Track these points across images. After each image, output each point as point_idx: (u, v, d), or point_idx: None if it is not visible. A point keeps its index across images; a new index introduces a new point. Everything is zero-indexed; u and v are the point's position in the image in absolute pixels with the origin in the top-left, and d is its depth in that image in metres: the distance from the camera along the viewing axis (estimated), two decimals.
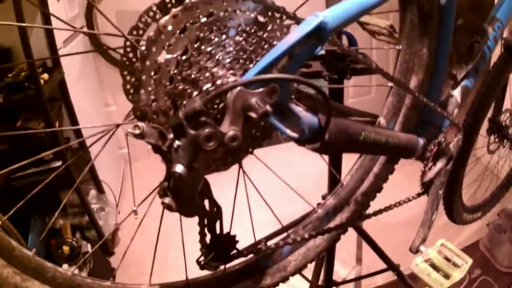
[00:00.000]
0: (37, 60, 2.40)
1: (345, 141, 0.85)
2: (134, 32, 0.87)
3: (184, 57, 0.74)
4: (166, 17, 0.72)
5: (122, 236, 3.07)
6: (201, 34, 0.75)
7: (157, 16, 0.87)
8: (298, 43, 0.71)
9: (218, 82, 0.76)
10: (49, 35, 2.51)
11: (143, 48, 0.72)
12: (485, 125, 1.95)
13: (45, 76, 2.40)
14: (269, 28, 0.82)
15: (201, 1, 0.73)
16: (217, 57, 0.78)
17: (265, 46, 0.83)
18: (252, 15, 0.80)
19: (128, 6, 3.20)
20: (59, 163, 2.38)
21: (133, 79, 0.86)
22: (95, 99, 3.58)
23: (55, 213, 2.53)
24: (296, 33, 0.71)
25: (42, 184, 0.90)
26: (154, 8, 0.87)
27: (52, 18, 2.48)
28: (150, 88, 0.74)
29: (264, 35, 0.82)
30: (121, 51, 0.89)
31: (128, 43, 0.88)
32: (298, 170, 2.94)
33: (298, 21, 0.78)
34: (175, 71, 0.74)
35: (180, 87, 0.76)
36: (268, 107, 0.70)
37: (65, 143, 2.62)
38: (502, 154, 2.26)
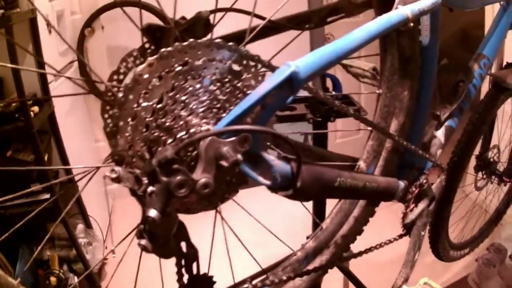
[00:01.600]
0: (28, 100, 2.41)
1: (319, 187, 0.86)
2: (115, 77, 0.88)
3: (159, 105, 0.76)
4: (142, 66, 0.73)
5: (108, 270, 3.06)
6: (176, 83, 0.76)
7: (137, 61, 0.88)
8: (270, 93, 0.72)
9: (192, 130, 0.78)
10: (41, 67, 2.52)
11: (120, 95, 0.73)
12: (472, 162, 1.95)
13: (36, 108, 2.40)
14: (244, 76, 0.84)
15: (177, 50, 0.74)
16: (191, 105, 0.79)
17: (239, 95, 0.84)
18: (227, 64, 0.81)
19: (119, 41, 3.22)
20: (47, 196, 2.37)
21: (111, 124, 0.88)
22: (84, 134, 3.57)
23: (42, 243, 2.54)
24: (268, 83, 0.72)
25: (31, 215, 0.92)
26: (135, 53, 0.88)
27: (44, 51, 2.50)
28: (127, 134, 0.75)
29: (238, 84, 0.84)
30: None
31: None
32: (284, 210, 2.94)
33: (273, 69, 0.80)
34: (151, 118, 0.75)
35: (156, 134, 0.77)
36: (239, 156, 0.71)
37: (53, 176, 2.61)
38: (490, 189, 2.27)
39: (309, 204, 1.59)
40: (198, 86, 0.79)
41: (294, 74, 0.73)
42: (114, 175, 0.70)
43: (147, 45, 0.89)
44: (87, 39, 3.41)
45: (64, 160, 2.77)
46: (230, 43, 0.79)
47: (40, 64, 2.45)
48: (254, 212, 1.20)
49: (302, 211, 1.30)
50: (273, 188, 0.81)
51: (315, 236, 1.20)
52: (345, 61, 1.47)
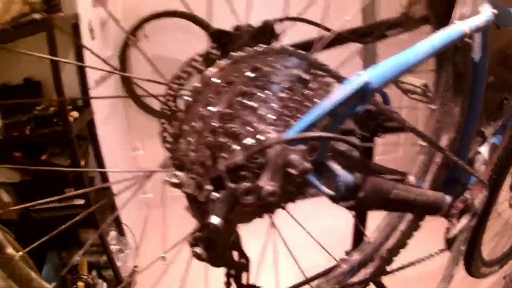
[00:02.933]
0: (68, 99, 2.42)
1: (378, 199, 0.86)
2: (176, 81, 0.89)
3: (227, 110, 0.76)
4: (213, 69, 0.73)
5: (139, 280, 3.05)
6: (246, 88, 0.77)
7: (199, 67, 0.89)
8: (342, 103, 0.72)
9: (260, 137, 0.77)
10: (82, 73, 2.54)
11: (188, 98, 0.73)
12: (507, 180, 1.93)
13: (75, 113, 2.42)
14: (311, 85, 0.84)
15: (248, 55, 0.75)
16: (259, 112, 0.79)
17: (307, 103, 0.84)
18: (296, 71, 0.81)
19: (165, 51, 3.20)
20: (81, 201, 2.37)
21: (171, 128, 0.88)
22: (122, 141, 3.57)
23: (71, 248, 2.55)
24: (340, 92, 0.73)
25: (68, 223, 0.92)
26: (198, 58, 0.89)
27: (86, 57, 2.52)
28: (190, 139, 0.75)
29: (306, 92, 0.84)
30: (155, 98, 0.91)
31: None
32: (321, 222, 2.92)
33: (340, 79, 0.80)
34: (217, 123, 0.76)
35: (221, 140, 0.77)
36: (308, 165, 0.71)
37: (89, 182, 2.62)
38: None
39: (347, 218, 1.58)
40: (267, 92, 0.80)
41: (366, 84, 0.73)
42: (176, 180, 0.71)
43: (212, 51, 0.89)
44: (130, 48, 3.40)
45: (101, 166, 2.77)
46: (301, 51, 0.79)
47: (82, 72, 2.47)
48: (291, 224, 1.20)
49: (337, 223, 1.30)
50: (336, 199, 0.81)
51: (361, 249, 1.20)
52: None
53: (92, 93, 2.67)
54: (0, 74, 2.54)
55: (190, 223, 0.79)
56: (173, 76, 0.89)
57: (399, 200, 0.92)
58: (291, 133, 0.74)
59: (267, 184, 0.70)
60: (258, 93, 0.79)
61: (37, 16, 2.07)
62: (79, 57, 2.52)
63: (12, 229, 1.68)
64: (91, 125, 2.69)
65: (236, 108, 0.77)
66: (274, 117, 0.81)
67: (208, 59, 0.89)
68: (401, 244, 1.22)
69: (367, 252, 1.20)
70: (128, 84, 3.35)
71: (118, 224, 2.98)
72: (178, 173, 0.72)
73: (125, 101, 3.60)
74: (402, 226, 1.21)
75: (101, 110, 2.83)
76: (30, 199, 2.34)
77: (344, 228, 1.98)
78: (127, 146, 3.71)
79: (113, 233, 2.89)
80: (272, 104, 0.81)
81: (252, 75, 0.77)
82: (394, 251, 1.21)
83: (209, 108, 0.74)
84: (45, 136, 2.34)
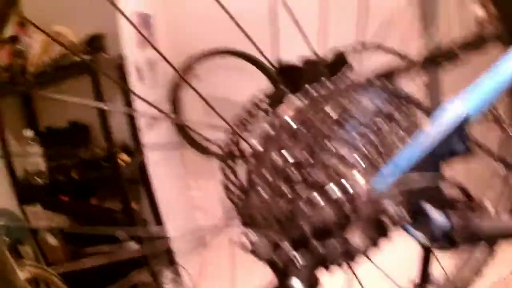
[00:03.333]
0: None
1: (469, 238, 0.75)
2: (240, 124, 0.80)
3: (306, 156, 0.66)
4: (287, 109, 0.64)
5: None
6: (326, 130, 0.67)
7: (266, 108, 0.80)
8: (442, 138, 0.62)
9: (347, 184, 0.67)
10: (131, 116, 2.50)
11: (258, 145, 0.64)
12: None
13: (124, 156, 2.37)
14: (395, 116, 0.74)
15: (329, 92, 0.66)
16: (341, 152, 0.69)
17: (394, 140, 0.74)
18: (377, 102, 0.71)
19: (218, 91, 3.08)
20: (135, 246, 2.31)
21: (236, 179, 0.79)
22: (177, 182, 3.49)
23: None
24: (439, 127, 0.62)
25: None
26: (264, 98, 0.80)
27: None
28: (262, 190, 0.65)
29: (389, 125, 0.73)
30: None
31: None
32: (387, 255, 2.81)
33: (427, 110, 0.70)
34: (296, 172, 0.66)
35: (300, 191, 0.67)
36: (405, 214, 0.61)
37: (142, 225, 2.55)
38: None
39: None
40: (348, 129, 0.70)
41: (467, 116, 0.62)
42: (250, 247, 0.61)
43: (282, 88, 0.80)
44: (181, 89, 3.27)
45: (155, 209, 2.70)
46: (389, 84, 0.70)
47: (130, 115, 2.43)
48: None
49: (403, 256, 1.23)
50: (430, 246, 0.70)
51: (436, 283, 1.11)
52: None
53: (144, 134, 2.61)
54: (45, 116, 2.53)
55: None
56: (236, 118, 0.81)
57: (488, 235, 0.82)
58: (383, 178, 0.64)
59: (359, 240, 0.60)
60: (339, 132, 0.68)
61: (78, 58, 2.04)
62: (127, 99, 2.47)
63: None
64: (142, 168, 2.62)
65: (314, 151, 0.67)
66: (358, 158, 0.70)
67: (275, 98, 0.79)
68: (476, 272, 1.15)
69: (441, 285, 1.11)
70: (182, 128, 3.24)
71: (172, 265, 2.90)
72: (253, 236, 0.62)
73: (180, 140, 3.50)
74: (478, 254, 1.15)
75: (154, 152, 2.76)
76: (77, 242, 2.34)
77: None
78: (182, 187, 3.62)
79: (168, 274, 2.81)
80: (355, 142, 0.70)
81: (335, 115, 0.67)
82: (470, 280, 1.14)
83: (285, 154, 0.65)
84: (94, 180, 2.30)
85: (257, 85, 0.89)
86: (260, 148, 0.64)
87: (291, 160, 0.65)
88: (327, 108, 0.66)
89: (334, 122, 0.67)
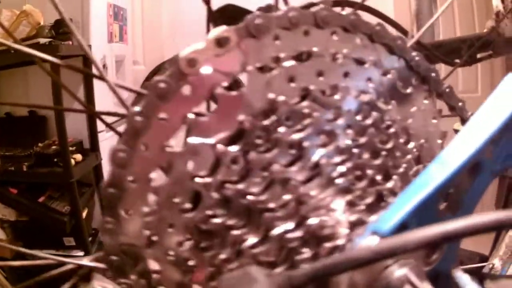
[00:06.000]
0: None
1: None
2: None
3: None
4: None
5: None
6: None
7: None
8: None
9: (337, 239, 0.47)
10: (90, 117, 2.33)
11: None
12: None
13: (78, 156, 2.21)
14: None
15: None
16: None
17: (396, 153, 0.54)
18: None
19: None
20: (80, 253, 2.14)
21: None
22: None
23: None
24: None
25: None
26: None
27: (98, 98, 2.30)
28: None
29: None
30: None
31: None
32: None
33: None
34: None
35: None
36: (428, 285, 0.40)
37: (92, 234, 2.36)
38: None
39: None
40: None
41: None
42: None
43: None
44: None
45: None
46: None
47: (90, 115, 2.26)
48: None
49: None
50: None
51: None
52: None
53: (102, 136, 2.43)
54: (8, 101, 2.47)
55: None
56: None
57: None
58: (388, 226, 0.41)
59: None
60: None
61: (43, 40, 1.89)
62: (89, 96, 2.29)
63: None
64: (98, 172, 2.46)
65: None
66: (345, 183, 0.49)
67: None
68: None
69: None
70: None
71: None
72: None
73: None
74: None
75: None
76: (26, 239, 2.16)
77: None
78: None
79: None
80: (337, 158, 0.49)
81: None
82: None
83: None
84: (43, 176, 2.13)
85: None
86: None
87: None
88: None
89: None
